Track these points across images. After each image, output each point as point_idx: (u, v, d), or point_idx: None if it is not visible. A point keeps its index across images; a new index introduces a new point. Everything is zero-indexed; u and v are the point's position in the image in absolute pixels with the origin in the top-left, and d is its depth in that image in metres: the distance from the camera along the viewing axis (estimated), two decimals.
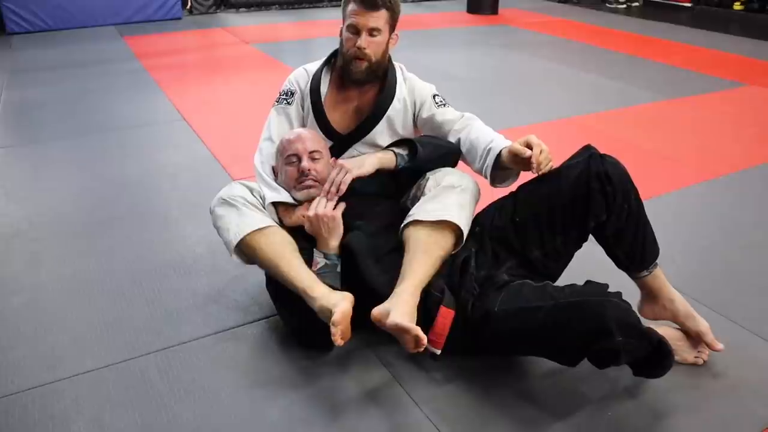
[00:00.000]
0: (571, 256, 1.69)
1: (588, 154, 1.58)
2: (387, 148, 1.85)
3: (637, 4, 8.33)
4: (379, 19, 1.80)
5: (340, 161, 1.77)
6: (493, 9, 7.58)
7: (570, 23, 7.14)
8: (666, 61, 5.25)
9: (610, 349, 1.37)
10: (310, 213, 1.66)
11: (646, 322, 1.60)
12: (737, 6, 7.56)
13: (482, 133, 1.82)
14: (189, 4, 7.41)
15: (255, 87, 4.43)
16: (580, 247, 1.67)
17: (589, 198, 1.54)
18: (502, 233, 1.67)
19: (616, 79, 4.66)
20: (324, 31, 6.35)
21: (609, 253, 1.65)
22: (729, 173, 2.92)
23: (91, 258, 2.21)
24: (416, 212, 1.64)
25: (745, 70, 4.99)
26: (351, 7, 1.82)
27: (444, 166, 1.77)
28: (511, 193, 1.72)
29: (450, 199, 1.64)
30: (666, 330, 1.63)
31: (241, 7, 7.75)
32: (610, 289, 1.45)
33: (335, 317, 1.44)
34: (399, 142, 1.85)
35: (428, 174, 1.74)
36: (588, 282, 1.50)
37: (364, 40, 1.81)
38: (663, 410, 1.50)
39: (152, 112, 3.89)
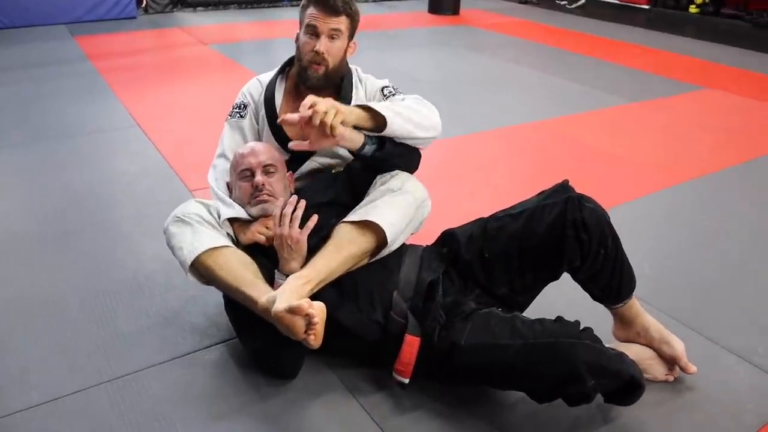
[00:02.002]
0: (540, 291, 1.64)
1: (565, 196, 1.50)
2: None
3: (582, 2, 8.21)
4: (339, 23, 1.76)
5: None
6: (455, 9, 7.57)
7: (531, 24, 7.15)
8: (626, 64, 5.28)
9: (580, 392, 1.34)
10: (276, 231, 1.53)
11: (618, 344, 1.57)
12: (693, 9, 7.68)
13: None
14: (144, 2, 7.18)
15: (212, 91, 4.29)
16: (549, 283, 1.62)
17: (564, 245, 1.48)
18: (469, 267, 1.60)
19: (579, 82, 4.66)
20: (284, 31, 6.20)
21: (584, 288, 1.60)
22: (694, 178, 2.93)
23: (37, 277, 2.08)
24: (349, 215, 1.57)
25: (702, 73, 5.05)
26: (310, 10, 1.76)
27: (407, 165, 1.68)
28: (482, 223, 1.63)
29: (381, 201, 1.57)
30: (638, 349, 1.59)
31: (199, 6, 7.55)
32: (582, 313, 1.41)
33: (316, 306, 1.35)
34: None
35: (378, 178, 1.65)
36: (558, 318, 1.45)
37: (323, 44, 1.75)
38: (634, 429, 1.47)
39: (105, 117, 3.73)
